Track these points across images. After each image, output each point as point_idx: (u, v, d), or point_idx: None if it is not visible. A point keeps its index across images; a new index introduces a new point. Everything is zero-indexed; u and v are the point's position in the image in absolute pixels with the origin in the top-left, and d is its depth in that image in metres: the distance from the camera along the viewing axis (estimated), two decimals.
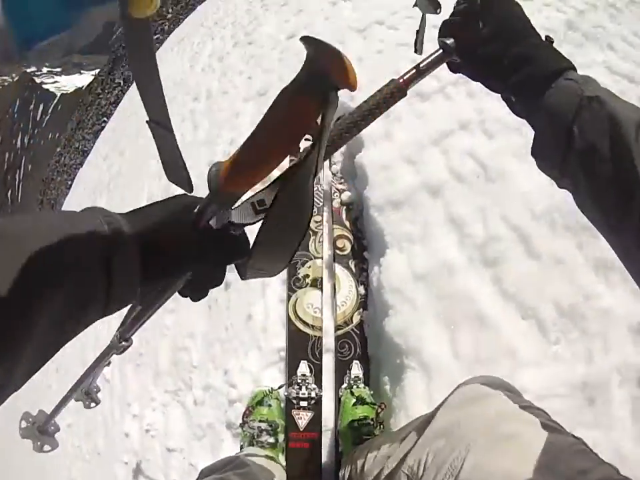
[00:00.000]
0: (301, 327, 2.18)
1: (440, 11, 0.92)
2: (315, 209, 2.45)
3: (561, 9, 3.12)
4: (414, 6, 0.93)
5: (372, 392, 1.97)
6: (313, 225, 2.43)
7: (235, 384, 2.30)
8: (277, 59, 4.15)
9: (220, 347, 2.56)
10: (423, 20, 0.96)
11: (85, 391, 1.46)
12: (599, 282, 1.79)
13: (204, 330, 2.75)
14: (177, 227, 0.68)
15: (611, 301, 1.72)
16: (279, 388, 2.07)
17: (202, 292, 0.78)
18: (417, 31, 0.98)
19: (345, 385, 2.02)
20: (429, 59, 0.89)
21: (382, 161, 2.39)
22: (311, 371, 2.08)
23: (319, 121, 0.61)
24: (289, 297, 2.26)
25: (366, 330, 2.16)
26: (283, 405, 2.02)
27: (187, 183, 0.62)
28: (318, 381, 2.06)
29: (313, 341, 2.14)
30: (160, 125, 0.54)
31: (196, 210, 0.69)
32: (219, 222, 0.72)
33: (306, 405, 2.00)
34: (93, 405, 1.48)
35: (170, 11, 10.19)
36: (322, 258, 2.35)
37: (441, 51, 0.88)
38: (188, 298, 0.79)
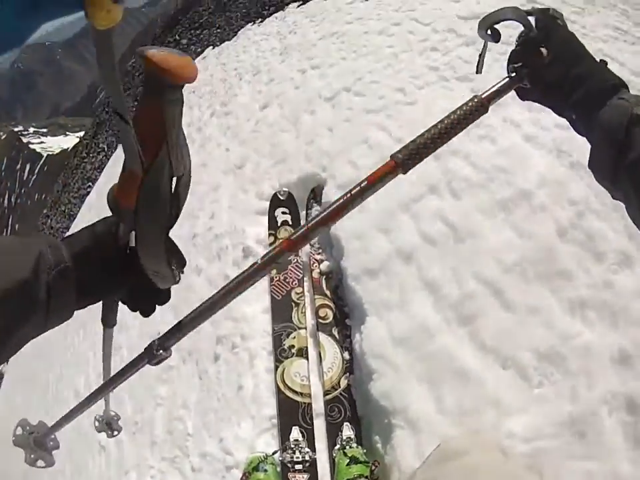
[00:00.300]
0: (290, 395, 2.24)
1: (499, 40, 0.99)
2: (296, 281, 2.55)
3: None
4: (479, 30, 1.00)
5: (365, 450, 2.00)
6: (294, 297, 2.53)
7: (230, 451, 2.33)
8: (252, 131, 4.31)
9: (214, 415, 2.60)
10: (485, 46, 1.05)
11: (106, 421, 1.48)
12: (576, 322, 1.86)
13: (197, 400, 2.78)
14: (101, 249, 0.76)
15: (589, 337, 1.78)
16: (274, 453, 2.10)
17: (145, 306, 0.87)
18: (480, 55, 1.07)
19: (337, 446, 2.05)
20: (504, 82, 0.94)
21: (356, 231, 2.49)
22: (303, 436, 2.13)
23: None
24: (276, 368, 2.33)
25: (354, 393, 2.22)
26: (278, 469, 2.05)
27: (141, 168, 0.68)
28: (311, 445, 2.12)
29: (303, 407, 2.20)
30: (121, 117, 0.62)
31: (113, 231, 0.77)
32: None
33: (301, 467, 2.04)
34: (115, 433, 1.50)
35: None
36: (306, 328, 2.43)
37: (514, 74, 0.94)
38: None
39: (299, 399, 2.22)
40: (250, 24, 7.85)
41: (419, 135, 0.85)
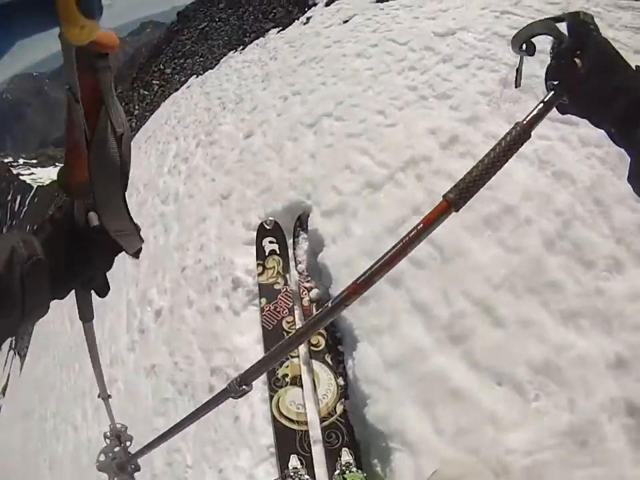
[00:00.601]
0: (287, 423, 2.24)
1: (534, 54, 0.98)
2: (286, 310, 2.56)
3: (494, 68, 3.36)
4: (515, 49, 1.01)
5: (365, 474, 2.00)
6: (285, 326, 2.54)
7: None
8: (236, 160, 4.35)
9: (212, 447, 2.59)
10: (521, 60, 1.04)
11: (115, 435, 1.54)
12: (569, 332, 1.88)
13: (194, 432, 2.77)
14: (62, 235, 0.78)
15: (584, 346, 1.80)
16: None
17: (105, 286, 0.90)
18: (517, 69, 1.04)
19: (337, 472, 2.05)
20: (543, 102, 0.90)
21: (343, 258, 2.51)
22: (302, 463, 2.12)
23: None
24: (271, 397, 2.32)
25: (350, 417, 2.21)
26: None
27: (85, 140, 0.72)
28: (311, 471, 2.11)
29: (300, 435, 2.20)
30: (73, 96, 0.66)
31: (67, 213, 0.80)
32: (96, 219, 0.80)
33: None
34: (128, 443, 1.57)
35: (137, 107, 10.56)
36: (298, 356, 2.43)
37: (552, 92, 0.90)
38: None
39: (295, 427, 2.22)
40: (232, 51, 7.99)
41: (467, 173, 0.87)
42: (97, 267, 0.85)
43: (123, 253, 0.84)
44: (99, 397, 1.44)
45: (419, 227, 0.87)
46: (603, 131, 0.92)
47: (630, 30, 3.33)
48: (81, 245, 0.79)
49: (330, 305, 0.95)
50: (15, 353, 14.82)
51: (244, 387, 1.05)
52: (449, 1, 4.66)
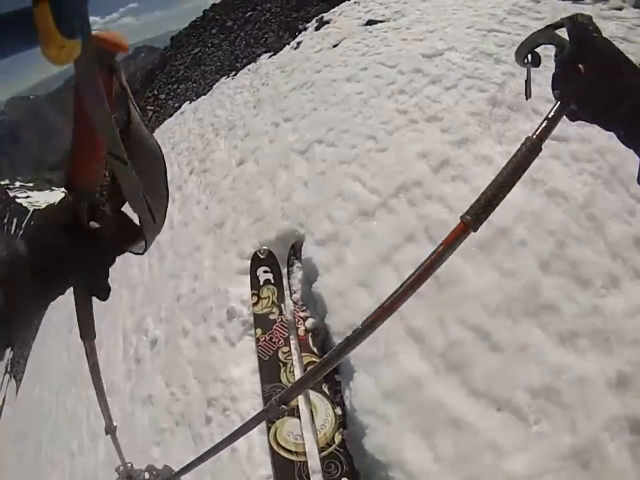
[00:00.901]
0: (285, 454, 2.22)
1: (539, 65, 0.98)
2: (282, 340, 2.56)
3: (483, 87, 3.39)
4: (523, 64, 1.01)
5: None
6: (281, 356, 2.52)
7: None
8: (230, 188, 4.36)
9: (210, 478, 2.56)
10: (529, 72, 1.03)
11: (127, 475, 1.58)
12: (568, 353, 1.88)
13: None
14: (63, 233, 0.75)
15: (583, 366, 1.80)
16: None
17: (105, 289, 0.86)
18: (525, 81, 1.04)
19: None
20: (552, 113, 0.89)
21: (337, 288, 2.51)
22: None
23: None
24: (268, 429, 2.30)
25: (349, 447, 2.19)
26: None
27: (149, 213, 0.72)
28: None
29: (298, 466, 2.17)
30: (116, 157, 0.66)
31: (69, 214, 0.77)
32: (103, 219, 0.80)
33: None
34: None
35: None
36: None
37: (559, 103, 0.89)
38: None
39: (293, 457, 2.20)
40: (224, 77, 8.05)
41: (482, 193, 0.87)
42: (95, 264, 0.81)
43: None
44: (107, 433, 1.45)
45: (438, 250, 0.89)
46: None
47: (614, 40, 3.36)
48: (78, 242, 0.76)
49: (360, 327, 1.00)
50: (10, 377, 14.72)
51: (283, 406, 1.12)
52: (435, 22, 4.74)
